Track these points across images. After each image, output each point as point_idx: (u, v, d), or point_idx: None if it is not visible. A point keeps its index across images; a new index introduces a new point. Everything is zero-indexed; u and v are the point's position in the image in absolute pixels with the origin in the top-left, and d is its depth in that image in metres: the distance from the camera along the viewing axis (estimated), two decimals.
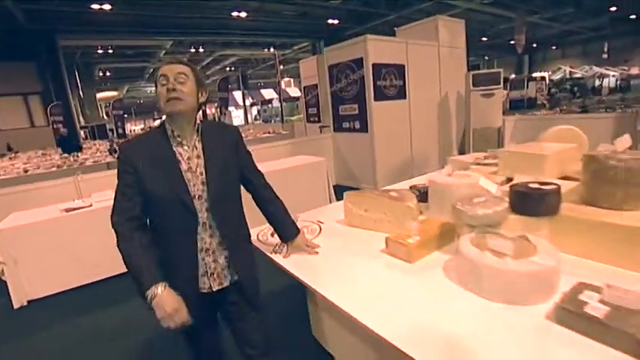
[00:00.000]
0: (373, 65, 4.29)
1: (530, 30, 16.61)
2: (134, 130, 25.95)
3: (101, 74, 18.94)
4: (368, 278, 1.22)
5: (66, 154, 7.49)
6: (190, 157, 1.12)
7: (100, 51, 15.09)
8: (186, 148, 1.12)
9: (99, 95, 21.34)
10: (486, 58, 26.84)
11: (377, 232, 1.52)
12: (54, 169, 5.80)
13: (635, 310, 0.80)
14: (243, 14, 11.56)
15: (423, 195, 1.75)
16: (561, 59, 26.11)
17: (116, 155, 6.90)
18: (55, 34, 11.46)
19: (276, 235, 1.48)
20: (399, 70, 4.65)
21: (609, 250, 1.11)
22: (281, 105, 13.18)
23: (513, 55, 23.63)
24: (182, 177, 1.09)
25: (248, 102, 23.13)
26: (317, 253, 1.43)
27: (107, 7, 9.63)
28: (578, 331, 0.84)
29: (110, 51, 15.23)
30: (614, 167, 1.17)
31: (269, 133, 9.35)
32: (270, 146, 5.21)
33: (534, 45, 23.52)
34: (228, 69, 21.92)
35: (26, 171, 5.78)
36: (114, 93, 23.18)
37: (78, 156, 7.15)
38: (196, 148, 1.13)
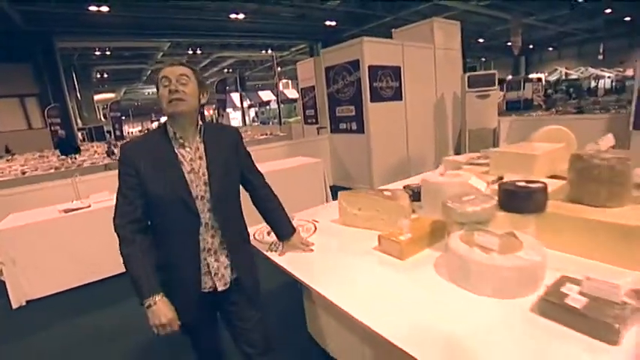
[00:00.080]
0: (369, 67, 4.34)
1: (526, 31, 16.76)
2: (132, 132, 25.94)
3: (99, 76, 18.93)
4: (361, 275, 1.25)
5: (64, 156, 7.49)
6: (193, 158, 1.12)
7: (97, 53, 15.10)
8: (188, 149, 1.13)
9: (96, 97, 21.30)
10: (483, 59, 27.01)
11: (370, 231, 1.56)
12: (52, 170, 5.81)
13: (611, 300, 0.84)
14: (241, 16, 11.61)
15: (416, 194, 1.79)
16: (557, 60, 26.31)
17: (114, 157, 6.93)
18: (52, 36, 11.47)
19: (272, 234, 1.52)
20: (395, 72, 4.70)
21: (593, 245, 1.15)
22: (279, 107, 13.22)
23: (510, 57, 23.78)
24: (184, 178, 1.09)
25: (246, 104, 23.16)
26: (312, 250, 1.47)
27: (104, 8, 9.64)
28: (559, 321, 0.88)
29: (108, 53, 15.24)
30: (598, 166, 1.21)
31: (266, 134, 9.38)
32: (267, 147, 5.25)
33: (530, 46, 23.70)
34: (225, 71, 21.96)
35: (24, 173, 5.79)
36: (111, 95, 23.15)
37: (76, 158, 7.16)
38: (198, 150, 1.14)
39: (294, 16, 12.71)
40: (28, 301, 2.76)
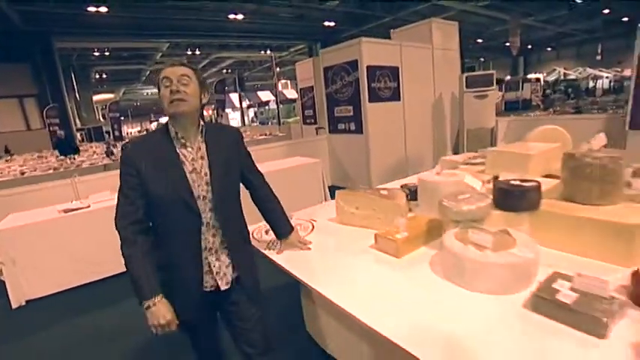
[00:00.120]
0: (368, 67, 4.36)
1: (524, 32, 16.80)
2: (131, 133, 25.92)
3: (97, 76, 18.92)
4: (357, 273, 1.27)
5: (62, 157, 7.50)
6: (194, 158, 1.13)
7: (96, 53, 15.09)
8: (189, 149, 1.13)
9: (95, 97, 21.28)
10: (482, 59, 27.06)
11: (367, 230, 1.57)
12: (50, 171, 5.82)
13: (601, 296, 0.86)
14: (240, 16, 11.63)
15: (412, 193, 1.81)
16: (556, 61, 26.38)
17: (113, 157, 6.93)
18: (50, 36, 11.46)
19: (270, 233, 1.54)
20: (394, 72, 4.72)
21: (585, 242, 1.17)
22: (277, 107, 13.23)
23: (508, 57, 23.84)
24: (186, 178, 1.10)
25: (245, 104, 23.17)
26: (310, 249, 1.49)
27: (103, 9, 9.65)
28: (551, 317, 0.90)
29: (106, 53, 15.23)
30: (589, 165, 1.23)
31: (265, 135, 9.40)
32: (266, 147, 5.26)
33: (529, 47, 23.76)
34: (224, 71, 21.97)
35: (23, 173, 5.79)
36: (110, 95, 23.12)
37: (74, 158, 7.16)
38: (200, 150, 1.14)
39: (292, 17, 12.73)
40: (27, 301, 2.77)
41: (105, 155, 7.26)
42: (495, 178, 1.64)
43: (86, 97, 18.71)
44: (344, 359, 1.71)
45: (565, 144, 1.93)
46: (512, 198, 1.29)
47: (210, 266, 1.17)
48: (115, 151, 7.70)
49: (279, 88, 19.25)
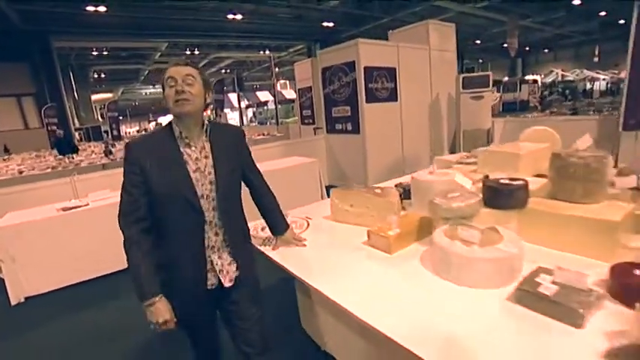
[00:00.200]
0: (365, 68, 4.40)
1: (522, 33, 16.89)
2: (129, 133, 25.89)
3: (96, 76, 18.90)
4: (350, 269, 1.31)
5: (61, 156, 7.51)
6: (198, 157, 1.13)
7: (94, 52, 15.09)
8: (193, 148, 1.13)
9: (94, 97, 21.24)
10: (480, 60, 27.18)
11: (361, 227, 1.61)
12: (49, 170, 5.83)
13: (579, 288, 0.90)
14: (239, 16, 11.65)
15: (406, 192, 1.85)
16: (553, 62, 26.50)
17: (111, 157, 6.95)
18: (49, 35, 11.46)
19: (266, 230, 1.57)
20: (391, 73, 4.76)
21: (569, 239, 1.21)
22: (276, 107, 13.26)
23: (507, 58, 23.94)
24: (189, 177, 1.10)
25: (243, 104, 23.17)
26: (304, 245, 1.53)
27: (102, 8, 9.66)
28: (533, 308, 0.94)
29: (105, 53, 15.23)
30: (574, 164, 1.28)
31: (264, 135, 9.43)
32: (264, 147, 5.30)
33: (527, 48, 23.86)
34: (223, 71, 21.98)
35: (21, 172, 5.80)
36: (109, 95, 23.09)
37: (73, 157, 7.17)
38: (204, 149, 1.15)
39: (291, 17, 12.77)
40: (26, 298, 2.80)
41: (104, 154, 7.27)
42: (486, 177, 1.69)
43: (84, 96, 18.68)
44: (337, 354, 1.74)
45: (555, 144, 1.97)
46: (501, 196, 1.34)
47: (212, 264, 1.18)
48: (113, 150, 7.72)
49: (278, 88, 19.28)
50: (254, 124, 22.25)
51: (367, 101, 4.50)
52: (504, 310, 0.97)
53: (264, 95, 27.24)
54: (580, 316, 0.84)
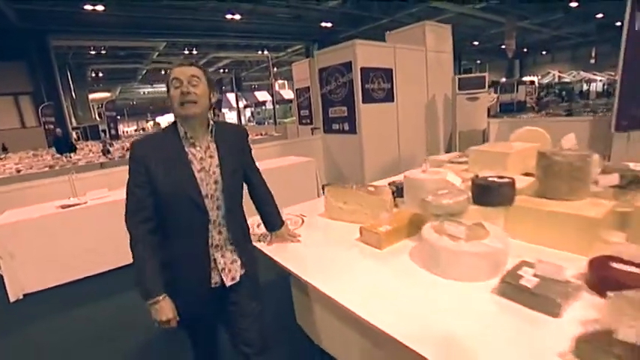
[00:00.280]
0: (362, 69, 4.44)
1: (520, 35, 17.01)
2: (127, 132, 25.85)
3: (94, 75, 18.88)
4: (343, 264, 1.35)
5: (59, 155, 7.51)
6: (203, 157, 1.14)
7: (92, 52, 15.08)
8: (198, 148, 1.14)
9: (91, 96, 21.22)
10: (478, 62, 27.31)
11: (354, 224, 1.65)
12: (46, 169, 5.84)
13: (558, 279, 0.95)
14: (237, 16, 11.69)
15: (399, 190, 1.89)
16: (551, 64, 26.67)
17: (109, 156, 6.96)
18: (46, 34, 11.46)
19: (262, 227, 1.61)
20: (387, 74, 4.80)
21: (553, 235, 1.26)
22: (274, 107, 13.29)
23: (504, 60, 24.09)
24: (194, 177, 1.10)
25: (241, 104, 23.19)
26: (299, 241, 1.57)
27: (100, 7, 9.67)
28: (515, 300, 0.98)
29: (103, 52, 15.22)
30: (558, 163, 1.32)
31: (262, 134, 9.47)
32: (262, 147, 5.33)
33: (525, 50, 24.00)
34: (221, 71, 21.99)
35: (19, 171, 5.82)
36: (106, 94, 23.06)
37: (71, 156, 7.18)
38: (209, 149, 1.16)
39: (289, 17, 12.81)
40: (25, 295, 2.82)
41: (102, 154, 7.29)
42: (476, 176, 1.73)
43: (82, 95, 18.67)
44: (332, 350, 1.78)
45: (544, 144, 2.02)
46: (488, 193, 1.38)
47: (215, 263, 1.18)
48: (111, 149, 7.74)
49: (276, 88, 19.32)
50: (252, 124, 22.27)
51: (364, 102, 4.54)
52: (489, 302, 1.01)
53: (262, 95, 27.27)
54: (557, 306, 0.88)
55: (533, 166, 1.81)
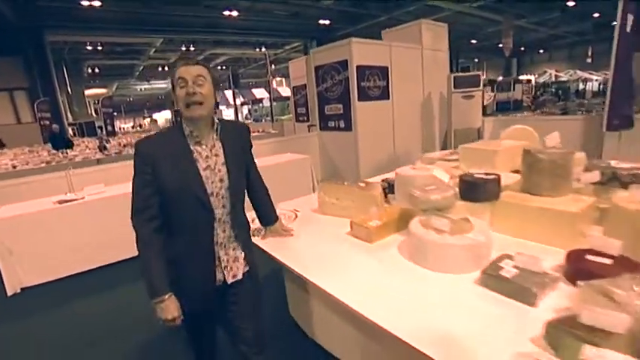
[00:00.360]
0: (357, 67, 4.47)
1: (517, 34, 17.06)
2: (124, 129, 25.74)
3: (90, 71, 18.72)
4: (334, 257, 1.39)
5: (55, 151, 7.50)
6: (209, 155, 1.14)
7: (89, 47, 14.95)
8: (204, 146, 1.14)
9: (87, 92, 21.09)
10: (476, 60, 27.35)
11: (346, 219, 1.69)
12: (43, 165, 5.84)
13: (535, 271, 0.99)
14: (235, 13, 11.65)
15: (391, 187, 1.94)
16: (548, 62, 26.76)
17: (106, 152, 6.96)
18: (42, 30, 11.37)
19: (256, 222, 1.64)
20: (383, 72, 4.84)
21: (535, 229, 1.31)
22: (271, 104, 13.28)
23: (502, 58, 24.13)
24: (199, 175, 1.11)
25: (239, 101, 23.15)
26: (292, 235, 1.61)
27: (97, 3, 9.61)
28: (495, 290, 1.03)
29: (99, 48, 15.10)
30: (542, 160, 1.37)
31: (259, 132, 9.48)
32: (259, 144, 5.35)
33: (522, 48, 24.07)
34: (219, 68, 21.90)
35: (14, 167, 5.81)
36: (103, 90, 22.92)
37: (67, 153, 7.17)
38: (214, 147, 1.16)
39: (287, 14, 12.77)
40: (22, 289, 2.85)
41: (98, 150, 7.28)
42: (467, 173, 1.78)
43: (78, 91, 18.55)
44: (325, 342, 1.83)
45: (533, 142, 2.07)
46: (474, 189, 1.43)
47: (219, 260, 1.19)
48: (108, 146, 7.73)
49: (274, 85, 19.29)
50: (249, 121, 22.23)
51: (359, 99, 4.57)
52: (470, 293, 1.06)
53: (259, 92, 27.19)
54: (533, 295, 0.93)
55: (520, 163, 1.87)
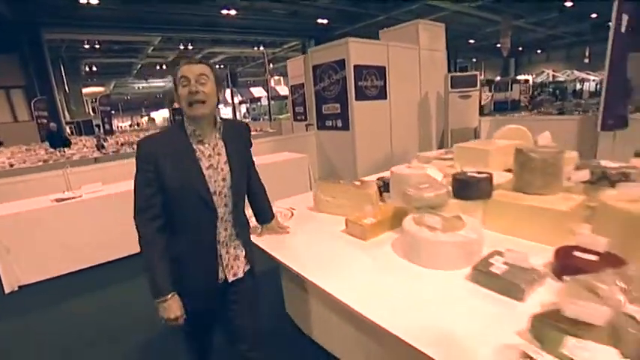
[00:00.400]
0: (355, 66, 4.48)
1: (515, 34, 17.10)
2: (121, 127, 25.66)
3: (87, 69, 18.65)
4: (329, 254, 1.41)
5: (52, 149, 7.48)
6: (211, 154, 1.14)
7: (86, 46, 14.89)
8: (207, 145, 1.14)
9: (85, 90, 21.00)
10: (474, 60, 27.42)
11: (341, 217, 1.71)
12: (40, 163, 5.83)
13: (524, 267, 1.02)
14: (233, 12, 11.64)
15: (386, 185, 1.96)
16: (545, 63, 26.85)
17: (104, 151, 6.95)
18: (39, 27, 11.31)
19: (252, 219, 1.66)
20: (380, 72, 4.86)
21: (526, 227, 1.33)
22: (269, 103, 13.28)
23: (500, 58, 24.17)
24: (202, 174, 1.11)
25: (237, 100, 23.11)
26: (288, 232, 1.63)
27: (94, 1, 9.58)
28: (485, 286, 1.05)
29: (97, 46, 15.04)
30: (533, 159, 1.39)
31: (256, 131, 9.49)
32: (256, 143, 5.31)
33: (520, 48, 24.13)
34: (217, 66, 21.86)
35: (12, 165, 5.80)
36: (100, 88, 22.84)
37: (64, 151, 7.16)
38: (217, 146, 1.16)
39: (285, 14, 12.77)
40: (20, 287, 2.86)
41: (96, 148, 7.27)
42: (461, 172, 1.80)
43: (75, 89, 18.47)
44: (320, 339, 1.85)
45: (526, 142, 2.10)
46: (467, 188, 1.45)
47: (220, 259, 1.20)
48: (105, 144, 7.72)
49: (272, 84, 19.28)
50: (247, 120, 22.22)
51: (357, 99, 4.59)
52: (461, 289, 1.08)
53: (257, 91, 27.16)
54: (521, 291, 0.95)
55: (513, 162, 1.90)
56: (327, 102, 4.94)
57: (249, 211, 1.61)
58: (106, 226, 3.08)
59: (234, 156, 1.19)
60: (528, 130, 2.21)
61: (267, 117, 16.03)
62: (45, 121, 11.35)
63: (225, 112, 24.13)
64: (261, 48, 16.19)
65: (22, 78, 12.01)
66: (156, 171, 1.06)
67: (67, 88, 16.03)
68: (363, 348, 1.48)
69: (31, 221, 2.86)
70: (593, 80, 22.50)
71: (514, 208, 1.37)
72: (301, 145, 5.23)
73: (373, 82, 4.77)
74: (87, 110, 19.79)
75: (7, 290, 2.79)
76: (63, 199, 3.05)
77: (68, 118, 15.41)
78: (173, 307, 1.08)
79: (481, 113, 6.36)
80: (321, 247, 1.48)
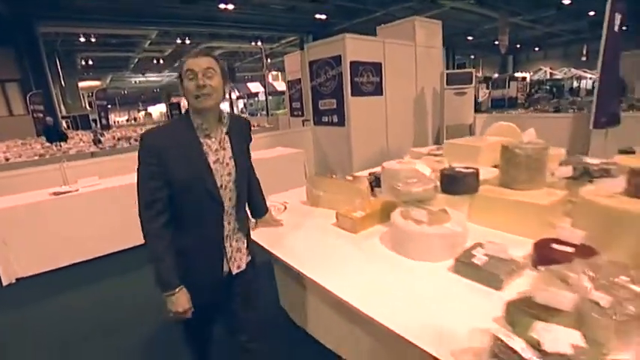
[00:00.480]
0: (351, 63, 4.50)
1: (513, 31, 17.10)
2: (118, 122, 25.49)
3: (83, 63, 18.47)
4: (320, 246, 1.46)
5: (48, 144, 7.46)
6: (218, 148, 1.15)
7: (82, 39, 14.75)
8: (213, 139, 1.14)
9: (81, 84, 20.85)
10: (472, 57, 27.41)
11: (333, 210, 1.75)
12: (36, 157, 5.82)
13: (503, 258, 1.06)
14: (231, 6, 11.56)
15: (377, 180, 2.00)
16: (543, 60, 26.90)
17: (100, 145, 6.94)
18: (34, 20, 11.19)
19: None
20: (376, 68, 4.88)
21: (510, 221, 1.38)
22: (266, 98, 13.25)
23: (498, 55, 24.19)
24: (209, 168, 1.11)
25: (234, 95, 23.04)
26: (282, 225, 1.67)
27: None
28: (467, 276, 1.10)
29: (93, 40, 14.90)
30: (518, 155, 1.43)
31: (254, 126, 9.49)
32: (253, 137, 5.36)
33: (518, 46, 24.15)
34: None
35: (7, 159, 5.79)
36: (97, 82, 22.67)
37: (61, 145, 7.14)
38: (223, 140, 1.17)
39: (283, 9, 12.70)
40: (17, 279, 2.89)
41: (92, 143, 7.26)
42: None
43: (71, 83, 18.33)
44: (315, 332, 1.89)
45: (515, 138, 2.13)
46: (454, 182, 1.49)
47: (225, 252, 1.21)
48: (102, 139, 7.70)
49: (270, 79, 19.22)
50: (244, 115, 22.14)
51: (352, 94, 4.62)
52: (445, 279, 1.13)
53: (255, 86, 27.03)
54: (499, 280, 1.00)
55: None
56: (324, 98, 4.96)
57: None
58: (102, 219, 3.11)
59: (237, 151, 1.20)
60: (522, 127, 2.24)
61: (264, 112, 16.01)
62: (41, 115, 11.27)
63: (223, 107, 24.03)
64: (259, 43, 16.11)
65: (18, 71, 11.91)
66: (160, 164, 1.05)
67: (62, 82, 15.91)
68: (357, 340, 1.52)
69: (28, 214, 2.89)
70: (590, 78, 22.58)
71: (498, 203, 1.41)
72: (298, 141, 5.26)
73: (369, 78, 4.80)
74: (83, 104, 19.65)
75: (4, 283, 2.82)
76: (60, 193, 3.07)
77: (64, 113, 15.31)
78: (181, 300, 1.09)
79: (478, 110, 6.40)
80: (313, 240, 1.52)
